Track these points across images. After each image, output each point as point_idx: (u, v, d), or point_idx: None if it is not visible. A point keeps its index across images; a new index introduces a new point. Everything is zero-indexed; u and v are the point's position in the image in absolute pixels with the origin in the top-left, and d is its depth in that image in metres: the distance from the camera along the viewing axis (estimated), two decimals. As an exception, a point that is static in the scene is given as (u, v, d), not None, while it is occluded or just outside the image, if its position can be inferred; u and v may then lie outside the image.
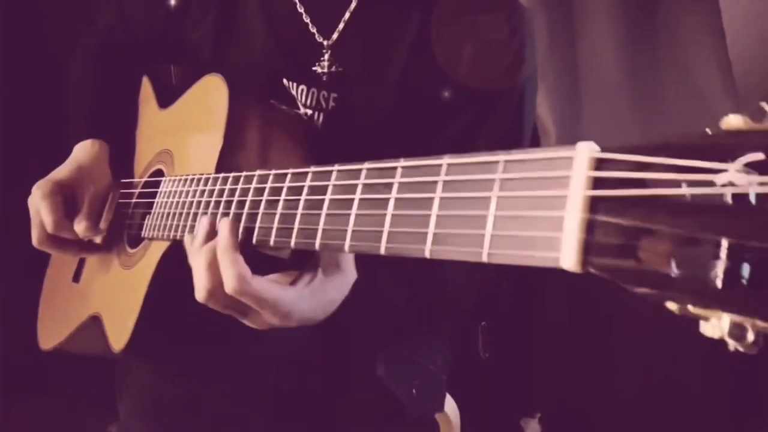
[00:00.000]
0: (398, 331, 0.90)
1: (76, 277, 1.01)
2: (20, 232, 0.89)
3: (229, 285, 0.56)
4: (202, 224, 0.61)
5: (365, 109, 0.82)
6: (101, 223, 0.88)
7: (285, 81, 0.83)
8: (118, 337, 0.80)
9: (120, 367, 0.97)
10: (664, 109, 0.87)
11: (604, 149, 0.33)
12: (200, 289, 0.59)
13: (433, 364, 1.02)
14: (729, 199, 0.29)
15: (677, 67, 0.84)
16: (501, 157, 0.37)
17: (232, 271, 0.56)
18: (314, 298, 0.61)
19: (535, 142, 0.91)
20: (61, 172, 0.88)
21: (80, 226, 0.83)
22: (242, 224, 0.60)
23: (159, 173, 0.88)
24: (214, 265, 0.57)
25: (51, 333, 1.02)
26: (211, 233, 0.60)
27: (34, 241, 0.86)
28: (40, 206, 0.82)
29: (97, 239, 0.88)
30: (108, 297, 0.89)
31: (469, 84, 0.78)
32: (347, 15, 0.82)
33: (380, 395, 0.92)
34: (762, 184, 0.28)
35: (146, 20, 0.95)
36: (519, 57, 0.80)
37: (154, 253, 0.79)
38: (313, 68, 0.82)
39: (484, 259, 0.36)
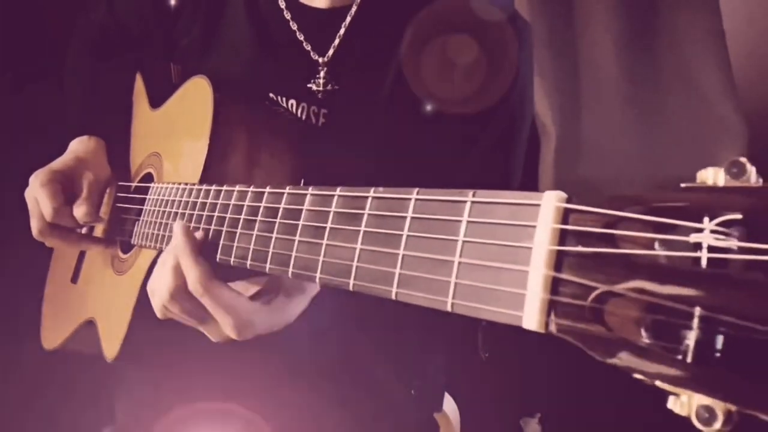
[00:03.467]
0: (396, 330, 0.89)
1: (75, 278, 1.01)
2: (20, 231, 0.89)
3: (192, 283, 0.56)
4: (175, 229, 0.61)
5: (358, 123, 0.80)
6: (101, 212, 0.87)
7: (271, 95, 0.81)
8: (110, 346, 0.80)
9: (117, 369, 0.97)
10: (663, 109, 0.83)
11: (572, 199, 0.30)
12: (162, 290, 0.59)
13: (432, 364, 1.01)
14: (704, 263, 0.27)
15: (677, 67, 0.80)
16: (468, 198, 0.35)
17: (196, 270, 0.56)
18: (272, 315, 0.61)
19: (536, 143, 0.89)
20: (59, 161, 0.87)
21: (80, 210, 0.82)
22: (221, 242, 0.58)
23: (149, 177, 0.86)
24: (178, 266, 0.58)
25: (53, 333, 1.02)
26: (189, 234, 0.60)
27: (35, 232, 0.85)
28: (38, 195, 0.81)
29: (97, 229, 0.88)
30: (102, 302, 0.88)
31: (461, 99, 0.75)
32: (342, 31, 0.80)
33: (380, 394, 0.91)
34: (741, 249, 0.26)
35: (138, 19, 0.93)
36: (513, 70, 0.76)
37: (144, 260, 0.79)
38: (308, 85, 0.80)
39: (449, 308, 0.34)
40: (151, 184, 0.80)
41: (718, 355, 0.26)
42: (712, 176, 0.27)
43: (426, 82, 0.74)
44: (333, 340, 0.85)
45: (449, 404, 1.03)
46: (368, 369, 0.91)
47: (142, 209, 0.80)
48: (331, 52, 0.81)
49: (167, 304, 0.60)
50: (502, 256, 0.32)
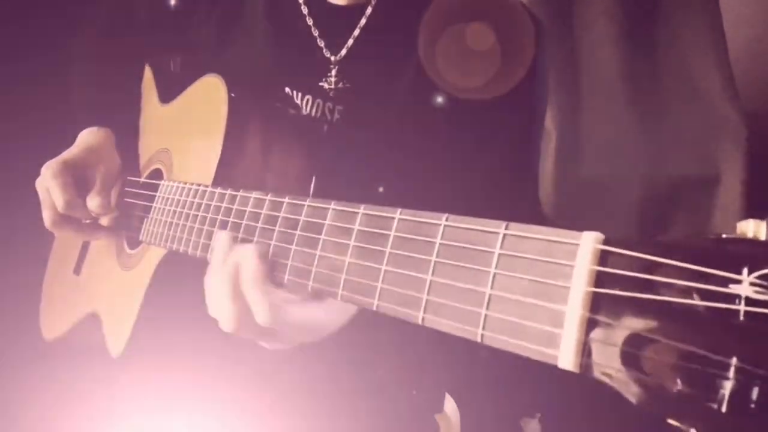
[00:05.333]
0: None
1: (77, 269, 1.00)
2: (19, 225, 0.88)
3: (262, 317, 0.51)
4: (221, 241, 0.56)
5: (371, 122, 0.80)
6: (112, 203, 0.87)
7: (288, 90, 0.81)
8: (116, 342, 0.80)
9: (119, 364, 0.98)
10: (663, 109, 0.84)
11: (609, 241, 0.31)
12: (227, 321, 0.53)
13: (433, 364, 1.01)
14: (742, 316, 0.27)
15: (677, 67, 0.80)
16: (501, 229, 0.35)
17: (264, 305, 0.51)
18: (336, 305, 0.56)
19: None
20: (71, 152, 0.86)
21: (94, 202, 0.82)
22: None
23: (158, 172, 0.86)
24: (239, 295, 0.52)
25: (53, 324, 1.02)
26: (229, 253, 0.55)
27: (47, 223, 0.84)
28: (50, 186, 0.81)
29: (104, 220, 0.88)
30: (107, 297, 0.88)
31: (476, 96, 0.75)
32: (357, 32, 0.79)
33: (380, 394, 0.92)
34: (779, 303, 0.26)
35: (148, 11, 0.92)
36: (529, 66, 0.76)
37: (152, 258, 0.78)
38: (320, 83, 0.80)
39: (478, 339, 0.35)
40: (161, 182, 0.79)
41: (753, 406, 0.26)
42: (753, 228, 0.28)
43: (443, 70, 0.73)
44: (333, 341, 0.86)
45: (449, 404, 1.04)
46: (368, 369, 0.92)
47: (150, 206, 0.80)
48: (344, 51, 0.81)
49: (235, 333, 0.55)
50: (537, 292, 0.33)
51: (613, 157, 1.10)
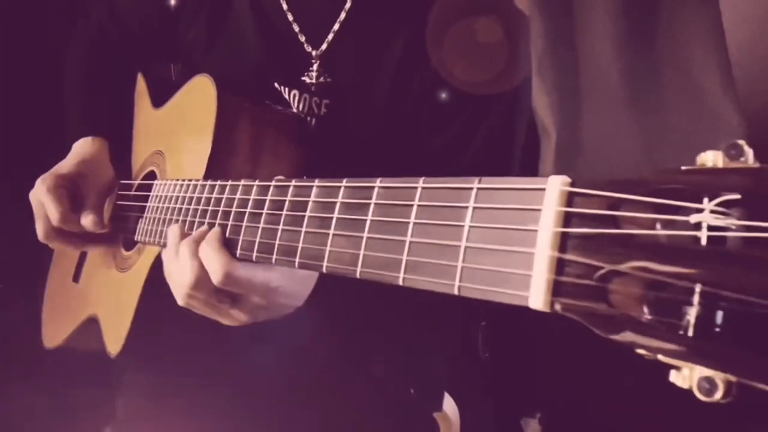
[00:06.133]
0: (396, 328, 0.90)
1: (76, 277, 1.01)
2: (19, 232, 0.89)
3: (217, 273, 0.56)
4: (172, 231, 0.63)
5: (357, 115, 0.81)
6: (105, 216, 0.88)
7: (276, 85, 0.82)
8: (114, 341, 0.80)
9: (118, 366, 0.98)
10: (663, 109, 0.84)
11: (576, 183, 0.31)
12: (184, 284, 0.59)
13: (432, 364, 1.01)
14: (704, 242, 0.27)
15: (677, 67, 0.81)
16: (474, 184, 0.36)
17: (219, 260, 0.56)
18: (292, 273, 0.60)
19: (536, 143, 0.90)
20: (64, 166, 0.87)
21: (87, 220, 0.83)
22: (227, 235, 0.59)
23: (152, 175, 0.87)
24: (197, 257, 0.58)
25: (54, 332, 1.03)
26: (184, 234, 0.62)
27: (40, 236, 0.85)
28: (44, 200, 0.82)
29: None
30: (104, 299, 0.89)
31: (461, 89, 0.76)
32: (337, 26, 0.80)
33: (379, 395, 0.91)
34: (739, 227, 0.27)
35: (140, 20, 0.94)
36: (513, 61, 0.78)
37: (147, 257, 0.79)
38: (302, 78, 0.81)
39: (455, 291, 0.35)
40: (155, 182, 0.80)
41: (718, 329, 0.26)
42: (712, 158, 0.28)
43: (441, 59, 0.74)
44: (333, 341, 0.86)
45: (449, 404, 1.03)
46: (368, 369, 0.92)
47: (145, 206, 0.81)
48: (324, 46, 0.82)
49: (190, 299, 0.61)
50: (508, 239, 0.33)
51: (613, 156, 1.10)
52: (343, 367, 0.90)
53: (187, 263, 0.58)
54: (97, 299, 0.91)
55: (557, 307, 0.30)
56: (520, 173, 0.88)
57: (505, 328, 1.12)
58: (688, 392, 0.27)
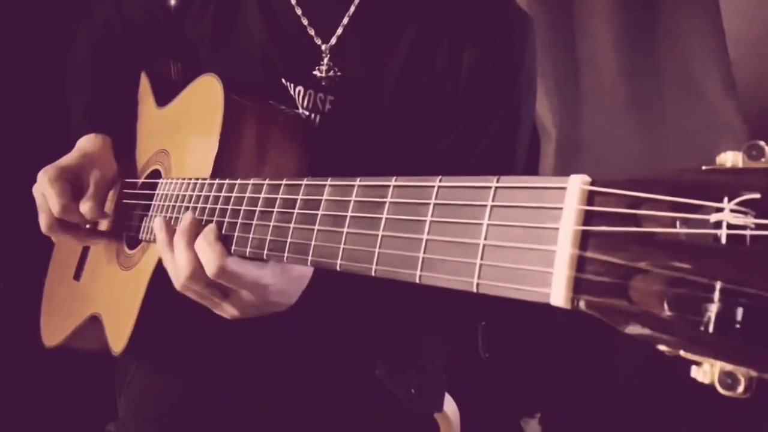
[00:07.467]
0: (396, 327, 0.90)
1: (77, 276, 1.01)
2: (20, 229, 0.89)
3: (211, 266, 0.58)
4: (157, 224, 0.65)
5: (362, 112, 0.81)
6: (106, 207, 0.88)
7: (283, 81, 0.82)
8: (117, 339, 0.80)
9: (120, 365, 0.97)
10: (664, 109, 0.86)
11: (596, 182, 0.32)
12: (181, 274, 0.61)
13: (432, 364, 1.01)
14: (724, 240, 0.28)
15: (677, 67, 0.82)
16: (492, 183, 0.36)
17: (212, 252, 0.58)
18: (284, 272, 0.61)
19: (536, 143, 0.90)
20: (67, 158, 0.88)
21: (85, 206, 0.83)
22: (236, 233, 0.60)
23: (156, 173, 0.87)
24: (192, 248, 0.60)
25: (54, 331, 1.02)
26: (171, 230, 0.64)
27: (43, 228, 0.85)
28: (46, 191, 0.82)
29: (103, 225, 0.88)
30: (107, 298, 0.89)
31: (468, 90, 0.76)
32: (346, 19, 0.81)
33: (379, 395, 0.91)
34: (758, 226, 0.27)
35: (145, 16, 0.94)
36: (520, 64, 0.78)
37: (151, 255, 0.79)
38: (313, 72, 0.81)
39: (474, 289, 0.36)
40: (160, 180, 0.80)
41: (738, 325, 0.27)
42: (732, 159, 0.29)
43: (449, 60, 0.75)
44: (333, 341, 0.86)
45: (449, 404, 1.04)
46: (368, 368, 0.92)
47: (149, 204, 0.81)
48: (334, 39, 0.82)
49: (186, 287, 0.62)
50: (528, 237, 0.34)
51: (613, 157, 1.11)
52: (345, 368, 0.90)
53: (182, 255, 0.60)
54: (99, 297, 0.91)
55: (580, 304, 0.31)
56: (520, 173, 0.89)
57: (505, 328, 1.13)
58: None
